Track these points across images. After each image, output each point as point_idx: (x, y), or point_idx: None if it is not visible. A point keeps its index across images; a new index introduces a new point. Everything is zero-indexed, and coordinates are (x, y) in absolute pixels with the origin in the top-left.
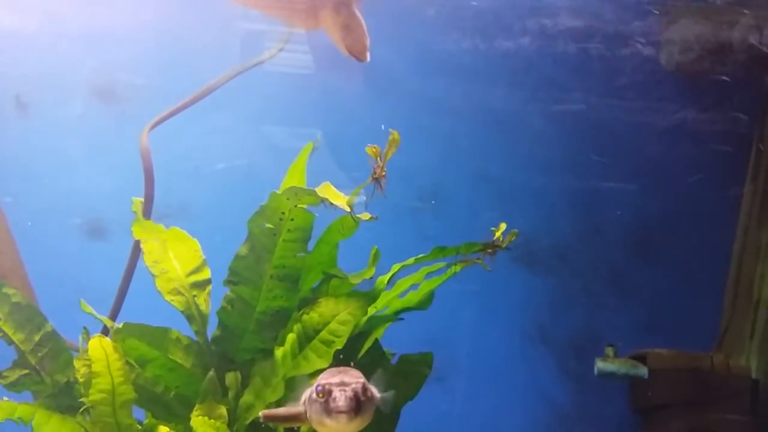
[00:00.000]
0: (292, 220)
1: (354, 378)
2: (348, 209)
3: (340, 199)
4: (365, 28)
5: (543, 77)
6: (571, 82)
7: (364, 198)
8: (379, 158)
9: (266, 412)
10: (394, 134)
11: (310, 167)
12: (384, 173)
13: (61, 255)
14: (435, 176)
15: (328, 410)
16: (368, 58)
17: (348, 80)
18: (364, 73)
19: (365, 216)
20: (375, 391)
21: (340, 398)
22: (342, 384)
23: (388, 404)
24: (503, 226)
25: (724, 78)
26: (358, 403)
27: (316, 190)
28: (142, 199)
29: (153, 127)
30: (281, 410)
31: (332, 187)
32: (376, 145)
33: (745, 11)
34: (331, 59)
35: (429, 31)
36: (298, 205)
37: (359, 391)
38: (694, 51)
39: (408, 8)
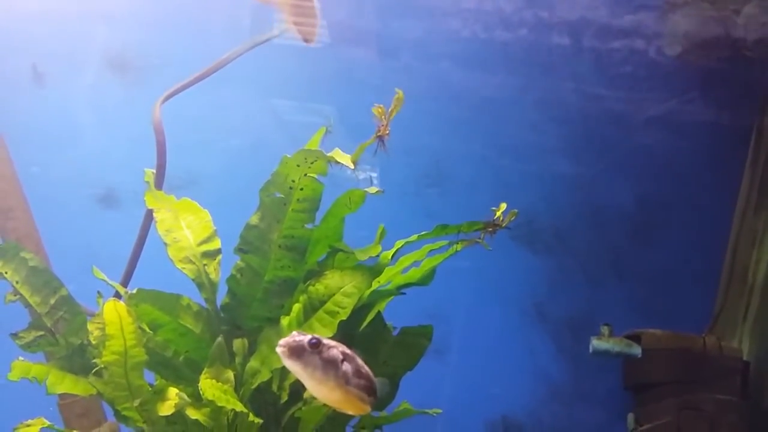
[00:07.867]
0: (301, 189)
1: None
2: (352, 166)
3: (345, 158)
4: (317, 10)
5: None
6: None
7: (371, 175)
8: (383, 117)
9: None
10: (399, 93)
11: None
12: (387, 132)
13: (74, 223)
14: (439, 155)
15: None
16: (315, 42)
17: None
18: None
19: (372, 189)
20: (345, 365)
21: (284, 338)
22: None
23: (383, 388)
24: (503, 206)
25: (724, 64)
26: (300, 350)
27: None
28: (154, 170)
29: (165, 100)
30: None
31: (340, 150)
32: (381, 105)
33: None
34: (343, 33)
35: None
36: (308, 174)
37: (305, 342)
38: (694, 38)
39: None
